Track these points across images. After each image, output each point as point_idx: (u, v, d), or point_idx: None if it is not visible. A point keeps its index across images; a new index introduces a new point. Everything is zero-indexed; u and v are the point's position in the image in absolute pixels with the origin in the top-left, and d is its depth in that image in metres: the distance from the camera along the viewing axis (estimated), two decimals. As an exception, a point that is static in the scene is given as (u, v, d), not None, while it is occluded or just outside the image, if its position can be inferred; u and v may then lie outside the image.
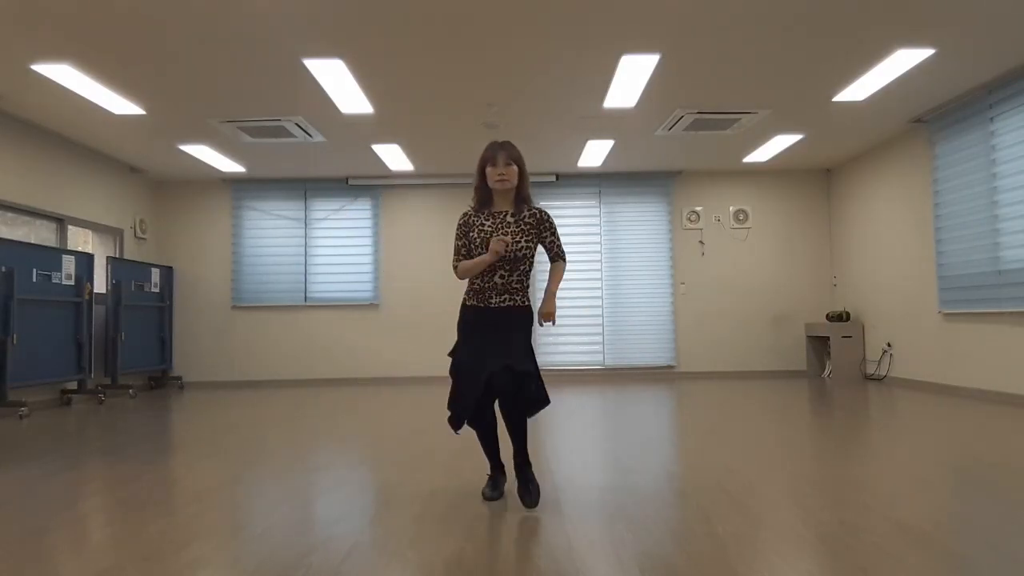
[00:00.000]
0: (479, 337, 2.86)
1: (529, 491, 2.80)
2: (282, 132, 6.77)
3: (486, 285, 2.87)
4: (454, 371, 2.92)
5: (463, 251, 2.94)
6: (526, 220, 2.89)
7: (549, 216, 2.96)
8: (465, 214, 2.96)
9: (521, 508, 2.76)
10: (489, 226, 2.88)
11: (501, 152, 2.86)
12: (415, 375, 8.73)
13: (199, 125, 6.58)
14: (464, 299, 2.97)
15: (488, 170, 2.88)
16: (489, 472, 3.02)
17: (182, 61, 5.04)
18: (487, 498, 2.88)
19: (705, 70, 5.37)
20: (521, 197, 2.92)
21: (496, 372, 2.72)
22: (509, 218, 2.89)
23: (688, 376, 8.73)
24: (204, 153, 7.52)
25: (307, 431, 4.88)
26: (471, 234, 2.90)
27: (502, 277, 2.86)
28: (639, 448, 3.98)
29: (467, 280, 2.96)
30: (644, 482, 3.15)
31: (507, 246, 2.80)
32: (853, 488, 2.96)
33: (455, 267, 2.96)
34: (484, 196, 2.94)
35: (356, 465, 3.65)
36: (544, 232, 2.93)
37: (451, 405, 2.90)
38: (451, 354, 2.95)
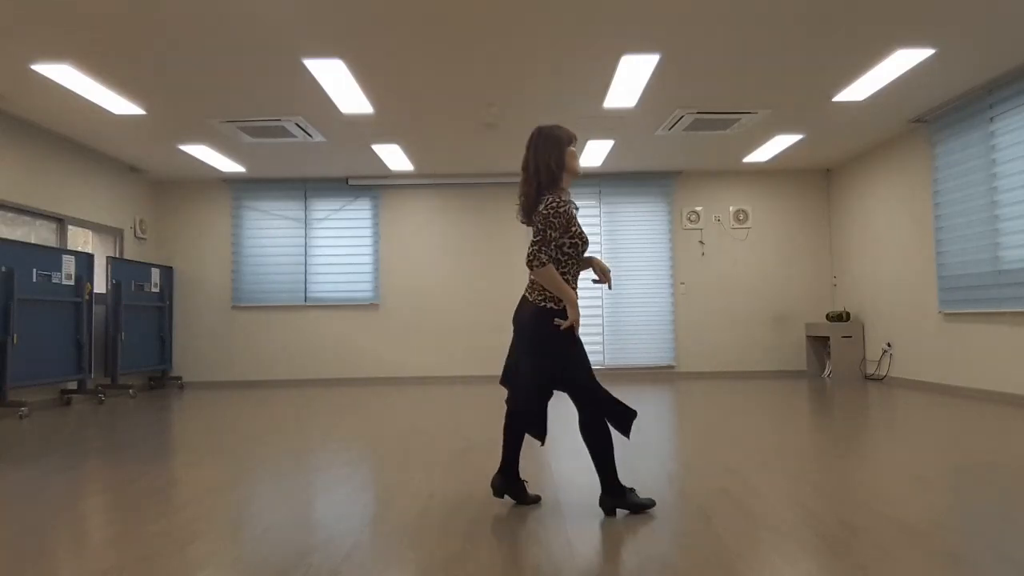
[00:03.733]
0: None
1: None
2: (282, 132, 6.77)
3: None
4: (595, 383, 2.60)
5: (558, 246, 2.59)
6: None
7: None
8: (567, 201, 2.60)
9: (520, 508, 2.76)
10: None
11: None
12: (415, 375, 8.72)
13: (199, 125, 6.58)
14: (554, 306, 2.60)
15: (572, 150, 2.66)
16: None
17: (182, 61, 5.04)
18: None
19: (705, 70, 5.37)
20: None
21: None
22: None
23: (688, 376, 8.72)
24: (204, 153, 7.52)
25: (307, 431, 4.88)
26: (574, 227, 2.60)
27: None
28: (639, 448, 3.97)
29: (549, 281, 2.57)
30: (644, 482, 3.14)
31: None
32: (853, 488, 2.96)
33: (544, 263, 2.52)
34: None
35: (356, 465, 3.65)
36: None
37: (616, 411, 2.61)
38: (585, 373, 2.61)
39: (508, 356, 2.83)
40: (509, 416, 2.83)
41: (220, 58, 4.99)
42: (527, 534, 2.42)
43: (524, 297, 2.71)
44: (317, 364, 8.79)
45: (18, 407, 5.78)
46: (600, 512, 2.66)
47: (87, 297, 6.86)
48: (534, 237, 2.56)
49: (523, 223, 2.71)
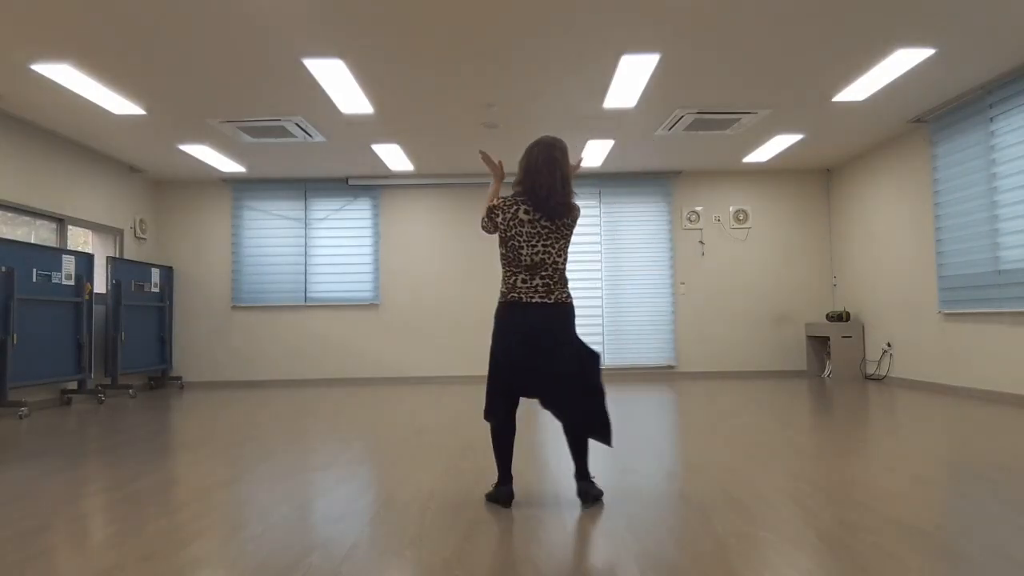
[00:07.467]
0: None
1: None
2: (282, 132, 6.77)
3: None
4: None
5: None
6: None
7: None
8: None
9: (520, 507, 2.76)
10: None
11: None
12: (415, 375, 8.72)
13: (199, 125, 6.58)
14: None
15: None
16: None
17: (182, 61, 5.04)
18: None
19: (705, 70, 5.37)
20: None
21: None
22: None
23: (688, 376, 8.72)
24: (204, 153, 7.52)
25: (307, 431, 4.88)
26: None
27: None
28: (639, 448, 3.97)
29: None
30: (644, 482, 3.15)
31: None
32: (853, 488, 2.96)
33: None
34: None
35: (356, 465, 3.65)
36: None
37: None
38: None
39: (527, 372, 2.91)
40: (581, 426, 2.87)
41: (220, 58, 4.99)
42: (527, 534, 2.42)
43: (557, 301, 2.85)
44: (317, 364, 8.79)
45: (18, 407, 5.78)
46: (601, 511, 2.67)
47: (87, 297, 6.86)
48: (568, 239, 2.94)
49: (551, 219, 2.88)
